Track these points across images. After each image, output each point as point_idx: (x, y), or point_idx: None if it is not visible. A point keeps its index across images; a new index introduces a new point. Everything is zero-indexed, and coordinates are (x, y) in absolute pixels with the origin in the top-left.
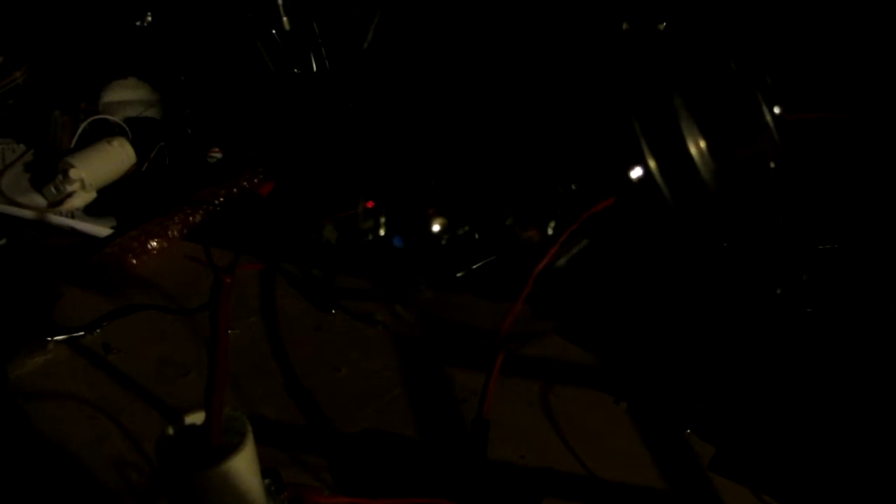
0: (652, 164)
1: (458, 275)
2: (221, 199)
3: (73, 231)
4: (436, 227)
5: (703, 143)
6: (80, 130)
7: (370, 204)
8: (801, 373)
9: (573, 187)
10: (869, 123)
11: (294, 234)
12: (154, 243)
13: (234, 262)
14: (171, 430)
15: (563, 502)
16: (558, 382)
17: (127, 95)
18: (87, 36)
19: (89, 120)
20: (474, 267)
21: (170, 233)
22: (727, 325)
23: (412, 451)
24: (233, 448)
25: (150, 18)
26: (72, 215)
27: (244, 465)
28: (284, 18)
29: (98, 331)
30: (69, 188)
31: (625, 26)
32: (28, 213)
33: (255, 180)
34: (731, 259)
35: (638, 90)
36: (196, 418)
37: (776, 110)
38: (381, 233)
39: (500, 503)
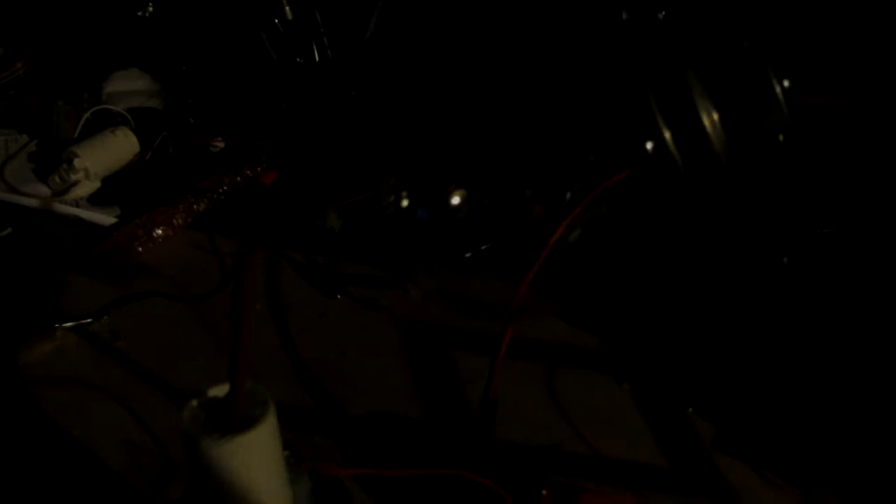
0: (667, 135)
1: (467, 255)
2: (225, 188)
3: (78, 220)
4: (456, 200)
5: (715, 116)
6: (83, 120)
7: (392, 181)
8: (800, 352)
9: (591, 160)
10: (873, 109)
11: (298, 221)
12: (159, 231)
13: (252, 241)
14: (195, 403)
15: (569, 479)
16: (562, 365)
17: (129, 86)
18: (88, 27)
19: (92, 110)
20: (483, 248)
21: (175, 221)
22: (727, 308)
23: (419, 431)
24: (257, 419)
25: (151, 9)
26: (76, 204)
27: (268, 435)
28: (287, 8)
29: (105, 318)
30: (74, 177)
31: (624, 16)
32: (33, 202)
33: (259, 169)
34: (736, 232)
35: (653, 66)
36: (218, 392)
37: (786, 84)
38: (404, 205)
39: (509, 478)
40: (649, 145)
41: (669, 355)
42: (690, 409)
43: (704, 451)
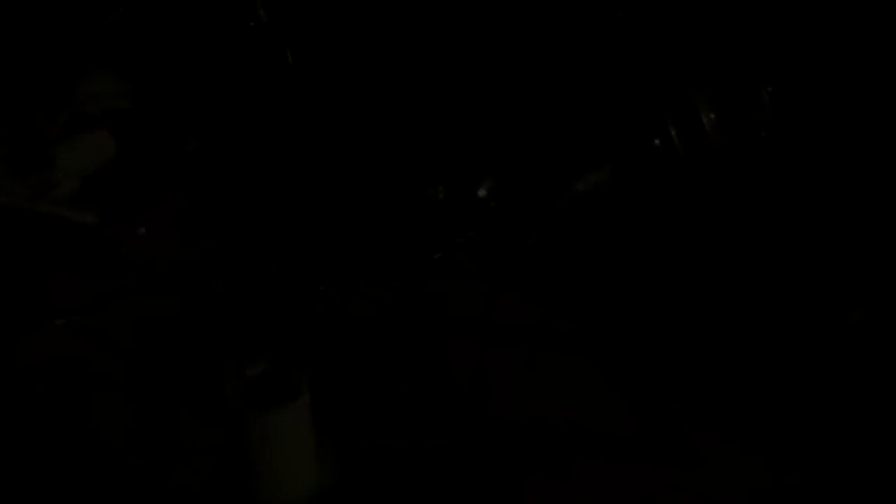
0: (673, 132)
1: (436, 256)
2: (204, 186)
3: (60, 219)
4: (482, 192)
5: (713, 116)
6: (59, 122)
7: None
8: (769, 325)
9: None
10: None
11: (280, 219)
12: (143, 229)
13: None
14: (235, 381)
15: (552, 451)
16: (540, 348)
17: (102, 87)
18: (59, 29)
19: (68, 111)
20: (460, 240)
21: (157, 218)
22: (701, 285)
23: (413, 410)
24: (294, 395)
25: (121, 10)
26: (57, 204)
27: (303, 409)
28: (261, 12)
29: (95, 313)
30: (54, 178)
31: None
32: (14, 202)
33: (234, 167)
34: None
35: (662, 78)
36: (253, 372)
37: (769, 90)
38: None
39: (500, 453)
40: (658, 141)
41: (640, 334)
42: (660, 387)
43: (675, 423)
